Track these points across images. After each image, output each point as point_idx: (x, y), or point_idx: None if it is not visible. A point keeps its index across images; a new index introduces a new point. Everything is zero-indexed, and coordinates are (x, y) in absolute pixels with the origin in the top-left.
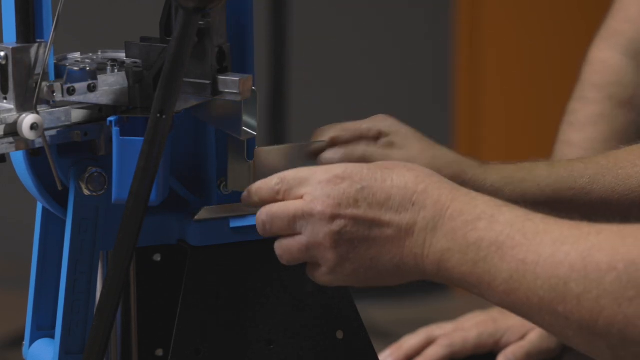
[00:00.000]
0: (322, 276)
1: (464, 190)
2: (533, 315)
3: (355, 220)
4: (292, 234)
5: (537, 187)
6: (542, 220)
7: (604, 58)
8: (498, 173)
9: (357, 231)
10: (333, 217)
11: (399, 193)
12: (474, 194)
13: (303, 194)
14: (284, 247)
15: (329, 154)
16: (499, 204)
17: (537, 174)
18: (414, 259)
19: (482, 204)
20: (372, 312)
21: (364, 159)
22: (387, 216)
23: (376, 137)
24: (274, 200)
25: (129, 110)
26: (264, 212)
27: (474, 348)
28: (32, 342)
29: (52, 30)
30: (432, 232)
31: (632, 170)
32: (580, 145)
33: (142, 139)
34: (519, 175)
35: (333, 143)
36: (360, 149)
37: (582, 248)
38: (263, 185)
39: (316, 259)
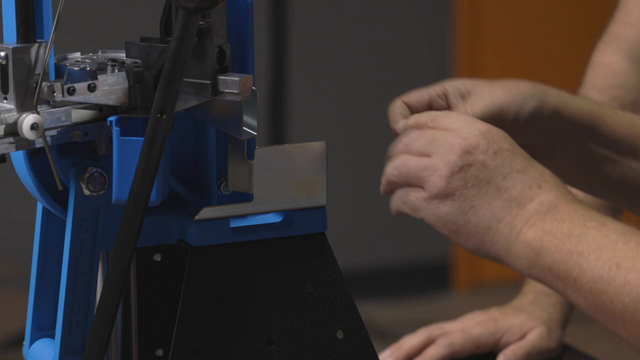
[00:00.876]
0: (417, 200)
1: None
2: (614, 321)
3: (483, 166)
4: (420, 154)
5: None
6: None
7: (607, 62)
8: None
9: (477, 176)
10: (466, 152)
11: (534, 172)
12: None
13: (454, 126)
14: (402, 159)
15: None
16: (611, 218)
17: None
18: (510, 229)
19: (597, 212)
20: (372, 312)
21: None
22: (511, 181)
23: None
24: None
25: (129, 110)
26: (414, 132)
27: (473, 348)
28: (32, 342)
29: (53, 30)
30: (542, 216)
31: None
32: None
33: (142, 139)
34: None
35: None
36: None
37: None
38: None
39: (424, 181)
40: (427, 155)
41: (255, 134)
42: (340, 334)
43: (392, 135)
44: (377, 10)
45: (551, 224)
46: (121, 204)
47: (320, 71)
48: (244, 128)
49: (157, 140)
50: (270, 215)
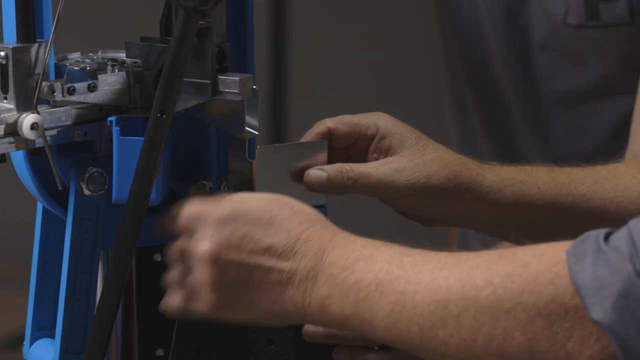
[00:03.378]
0: (201, 309)
1: (344, 233)
2: (415, 347)
3: (236, 265)
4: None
5: (537, 189)
6: (420, 253)
7: None
8: (497, 174)
9: (237, 275)
10: (214, 261)
11: (282, 241)
12: (353, 237)
13: (194, 231)
14: (172, 277)
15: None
16: (377, 244)
17: (538, 177)
18: (294, 306)
19: (361, 246)
20: None
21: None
22: (269, 262)
23: (372, 136)
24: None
25: (129, 110)
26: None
27: None
28: (32, 342)
29: (52, 30)
30: (313, 281)
31: (630, 182)
32: None
33: (142, 138)
34: (519, 176)
35: (330, 134)
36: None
37: (460, 270)
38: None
39: (196, 295)
40: (190, 271)
41: (257, 133)
42: None
43: None
44: (377, 10)
45: (325, 286)
46: (121, 204)
47: (320, 70)
48: (245, 127)
49: (157, 140)
50: None
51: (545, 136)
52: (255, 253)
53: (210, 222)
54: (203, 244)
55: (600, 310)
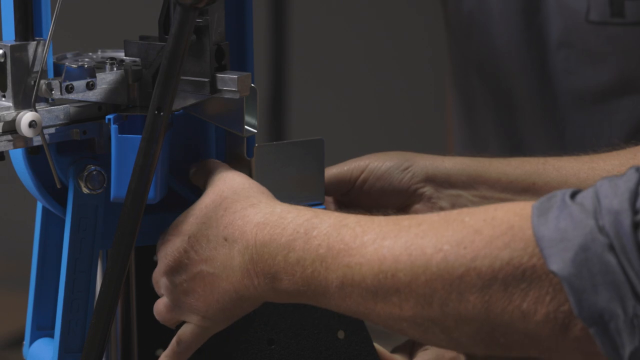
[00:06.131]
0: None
1: (268, 206)
2: (371, 315)
3: (181, 281)
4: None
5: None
6: (358, 223)
7: None
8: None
9: (188, 286)
10: (167, 275)
11: (212, 232)
12: (278, 209)
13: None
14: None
15: None
16: (308, 216)
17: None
18: (247, 290)
19: (292, 221)
20: None
21: None
22: (210, 255)
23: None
24: None
25: (128, 108)
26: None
27: None
28: (32, 341)
29: (51, 28)
30: (254, 263)
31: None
32: None
33: (140, 136)
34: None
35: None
36: None
37: (405, 239)
38: None
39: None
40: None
41: (256, 131)
42: (341, 334)
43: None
44: (377, 10)
45: (267, 265)
46: (120, 202)
47: (320, 70)
48: (245, 126)
49: (155, 137)
50: None
51: (560, 135)
52: (196, 260)
53: (167, 239)
54: (160, 262)
55: (559, 261)
